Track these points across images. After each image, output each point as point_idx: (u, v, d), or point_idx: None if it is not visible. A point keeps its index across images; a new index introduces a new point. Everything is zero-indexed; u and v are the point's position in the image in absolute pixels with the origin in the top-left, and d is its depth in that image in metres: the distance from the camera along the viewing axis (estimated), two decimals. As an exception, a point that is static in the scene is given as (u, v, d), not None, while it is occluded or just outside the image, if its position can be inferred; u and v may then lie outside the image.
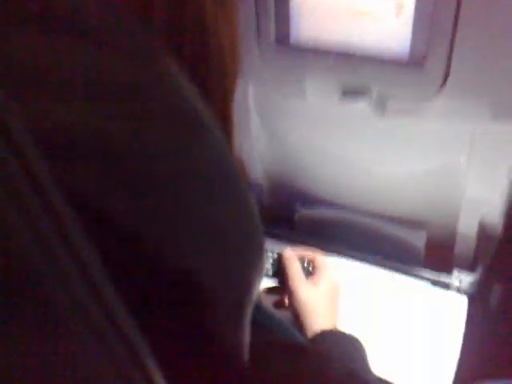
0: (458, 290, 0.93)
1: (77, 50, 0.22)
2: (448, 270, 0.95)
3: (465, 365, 0.80)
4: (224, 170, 0.26)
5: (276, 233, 1.04)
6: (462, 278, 0.94)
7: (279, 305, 0.81)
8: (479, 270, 0.95)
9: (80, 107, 0.21)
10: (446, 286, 0.93)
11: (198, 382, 0.26)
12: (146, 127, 0.22)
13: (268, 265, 0.77)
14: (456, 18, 0.64)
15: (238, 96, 0.99)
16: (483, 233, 0.92)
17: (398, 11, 0.69)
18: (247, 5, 0.76)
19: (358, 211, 1.00)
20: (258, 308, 0.32)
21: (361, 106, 0.79)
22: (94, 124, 0.20)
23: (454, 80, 0.69)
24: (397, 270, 0.95)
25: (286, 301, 0.78)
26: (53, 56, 0.21)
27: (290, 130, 0.95)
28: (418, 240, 0.97)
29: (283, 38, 0.78)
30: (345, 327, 0.70)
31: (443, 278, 0.94)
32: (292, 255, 0.77)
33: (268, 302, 0.81)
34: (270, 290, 0.81)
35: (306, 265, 0.78)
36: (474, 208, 0.88)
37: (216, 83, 0.27)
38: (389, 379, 0.77)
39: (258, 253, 0.28)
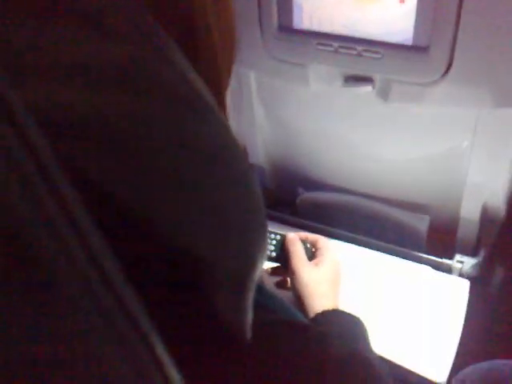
0: (460, 273, 0.94)
1: (76, 32, 0.22)
2: (450, 254, 0.96)
3: (466, 347, 0.81)
4: (226, 149, 0.26)
5: (279, 216, 1.05)
6: (465, 262, 0.94)
7: (281, 285, 0.82)
8: (481, 253, 0.96)
9: (80, 88, 0.21)
10: (449, 270, 0.94)
11: (201, 361, 0.27)
12: (146, 107, 0.22)
13: (271, 247, 0.78)
14: (459, 4, 0.64)
15: (241, 83, 0.99)
16: (485, 217, 0.92)
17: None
18: (250, -8, 0.76)
19: (360, 195, 1.01)
20: (260, 288, 0.32)
21: (364, 92, 0.79)
22: (94, 105, 0.21)
23: (458, 66, 0.69)
24: (399, 254, 0.96)
25: (289, 281, 0.79)
26: (53, 39, 0.21)
27: (292, 116, 0.96)
28: (421, 224, 0.97)
29: (286, 25, 0.78)
30: (347, 310, 0.71)
31: (445, 261, 0.94)
32: (295, 237, 0.78)
33: (270, 282, 0.82)
34: (272, 271, 0.82)
35: (308, 246, 0.79)
36: (477, 192, 0.89)
37: (206, 79, 0.27)
38: (389, 359, 0.78)
39: (260, 232, 0.28)
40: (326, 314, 0.68)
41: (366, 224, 1.01)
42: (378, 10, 0.71)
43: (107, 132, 0.21)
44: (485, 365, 0.76)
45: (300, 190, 1.08)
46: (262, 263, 0.29)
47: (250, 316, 0.28)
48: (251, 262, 0.27)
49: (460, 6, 0.64)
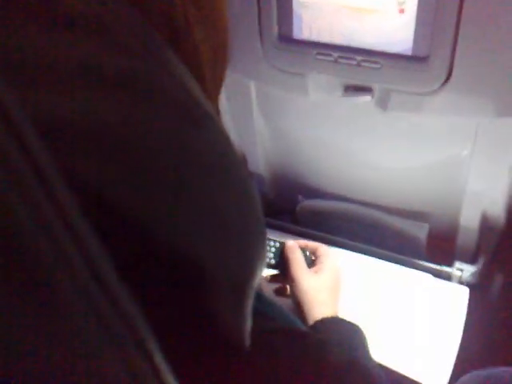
0: (460, 281, 0.94)
1: (76, 39, 0.22)
2: (450, 262, 0.96)
3: (465, 354, 0.81)
4: (224, 156, 0.26)
5: (278, 224, 1.05)
6: (464, 270, 0.94)
7: (281, 293, 0.82)
8: (481, 261, 0.96)
9: (80, 94, 0.21)
10: (448, 277, 0.94)
11: (199, 368, 0.26)
12: (146, 114, 0.22)
13: (270, 254, 0.78)
14: (459, 13, 0.64)
15: (241, 92, 1.00)
16: (485, 225, 0.92)
17: (400, 7, 0.69)
18: (249, 2, 0.76)
19: (360, 203, 1.01)
20: (259, 295, 0.32)
21: (363, 102, 0.80)
22: (94, 110, 0.21)
23: (457, 76, 0.70)
24: (399, 261, 0.96)
25: (288, 289, 0.79)
26: (52, 46, 0.21)
27: (292, 125, 0.96)
28: (421, 232, 0.98)
29: (285, 35, 0.78)
30: (347, 318, 0.72)
31: (445, 269, 0.94)
32: (294, 244, 0.78)
33: (269, 289, 0.82)
34: (272, 278, 0.82)
35: (308, 254, 0.79)
36: (476, 200, 0.89)
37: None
38: (389, 367, 0.78)
39: (259, 239, 0.28)
40: (325, 321, 0.68)
41: (365, 232, 1.01)
42: (378, 20, 0.71)
43: (106, 137, 0.21)
44: (484, 372, 0.76)
45: (300, 198, 1.08)
46: (261, 271, 0.29)
47: (249, 323, 0.28)
48: (250, 269, 0.27)
49: (459, 16, 0.64)
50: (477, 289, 0.92)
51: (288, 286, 0.79)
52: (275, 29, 0.78)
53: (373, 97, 0.79)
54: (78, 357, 0.16)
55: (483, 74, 0.69)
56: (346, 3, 0.72)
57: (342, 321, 0.69)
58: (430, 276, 0.92)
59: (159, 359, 0.19)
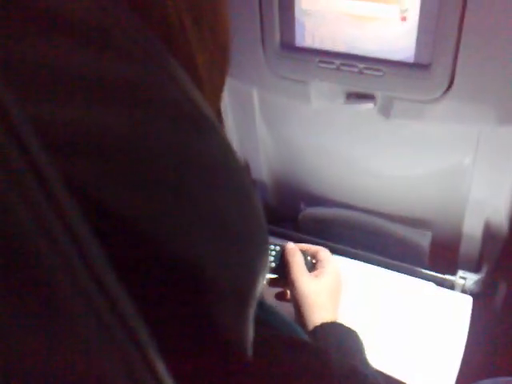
0: (463, 289, 0.93)
1: (80, 48, 0.22)
2: (453, 270, 0.95)
3: (469, 363, 0.80)
4: (226, 162, 0.26)
5: (281, 231, 1.05)
6: (467, 278, 0.94)
7: (281, 297, 0.81)
8: (484, 270, 0.95)
9: (82, 103, 0.21)
10: (451, 286, 0.94)
11: (201, 377, 0.26)
12: (149, 122, 0.22)
13: (270, 257, 0.78)
14: (461, 21, 0.64)
15: (243, 100, 1.00)
16: (488, 233, 0.92)
17: (402, 15, 0.70)
18: (252, 10, 0.76)
19: (362, 211, 1.01)
20: (261, 304, 0.32)
21: (365, 109, 0.80)
22: (97, 119, 0.21)
23: (459, 84, 0.70)
24: (401, 270, 0.95)
25: (288, 293, 0.78)
26: (52, 49, 0.21)
27: (295, 133, 0.96)
28: (423, 240, 0.97)
29: (288, 42, 0.79)
30: (349, 326, 0.71)
31: (448, 277, 0.94)
32: (294, 248, 0.77)
33: (270, 294, 0.82)
34: (272, 283, 0.81)
35: (308, 257, 0.78)
36: (479, 209, 0.89)
37: None
38: (393, 377, 0.78)
39: (262, 247, 0.28)
40: (324, 326, 0.68)
41: (368, 240, 1.01)
42: (380, 28, 0.72)
43: (106, 139, 0.21)
44: (488, 382, 0.76)
45: (302, 205, 1.08)
46: (263, 279, 0.29)
47: (251, 333, 0.28)
48: (252, 278, 0.27)
49: (461, 24, 0.65)
50: (480, 297, 0.91)
51: (288, 291, 0.78)
52: (277, 36, 0.78)
53: (375, 104, 0.79)
54: (77, 357, 0.17)
55: (485, 81, 0.69)
56: (348, 11, 0.72)
57: (341, 326, 0.68)
58: (432, 285, 0.92)
59: (158, 361, 0.19)
